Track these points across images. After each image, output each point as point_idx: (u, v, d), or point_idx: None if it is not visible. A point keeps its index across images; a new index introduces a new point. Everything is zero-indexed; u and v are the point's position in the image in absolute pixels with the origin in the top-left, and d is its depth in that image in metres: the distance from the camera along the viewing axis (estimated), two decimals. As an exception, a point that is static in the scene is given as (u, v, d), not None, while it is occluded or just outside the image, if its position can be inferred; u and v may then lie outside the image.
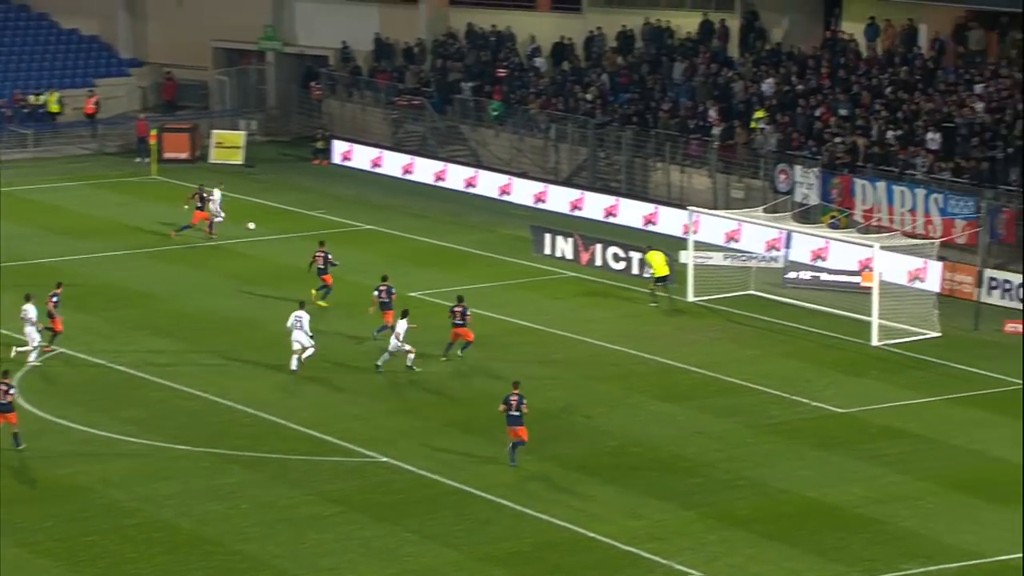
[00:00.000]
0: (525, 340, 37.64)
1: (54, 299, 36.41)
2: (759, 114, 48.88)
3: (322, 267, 39.32)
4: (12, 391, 30.79)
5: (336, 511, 28.26)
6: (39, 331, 35.51)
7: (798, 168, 46.32)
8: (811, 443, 31.53)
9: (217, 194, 46.33)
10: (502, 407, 30.20)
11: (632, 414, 32.90)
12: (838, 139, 46.56)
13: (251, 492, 29.06)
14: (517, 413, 29.91)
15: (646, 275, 40.37)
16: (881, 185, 44.44)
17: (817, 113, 47.87)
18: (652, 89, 52.17)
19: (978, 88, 45.80)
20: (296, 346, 34.89)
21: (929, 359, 36.71)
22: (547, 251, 44.51)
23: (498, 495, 28.86)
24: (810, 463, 30.56)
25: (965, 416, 33.09)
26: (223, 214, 46.12)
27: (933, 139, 44.98)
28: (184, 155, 56.63)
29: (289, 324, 35.14)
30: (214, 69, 62.92)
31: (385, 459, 30.62)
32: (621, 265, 42.87)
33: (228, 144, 57.10)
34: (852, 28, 50.89)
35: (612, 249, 43.40)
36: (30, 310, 35.37)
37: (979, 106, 45.11)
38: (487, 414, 32.79)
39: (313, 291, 39.11)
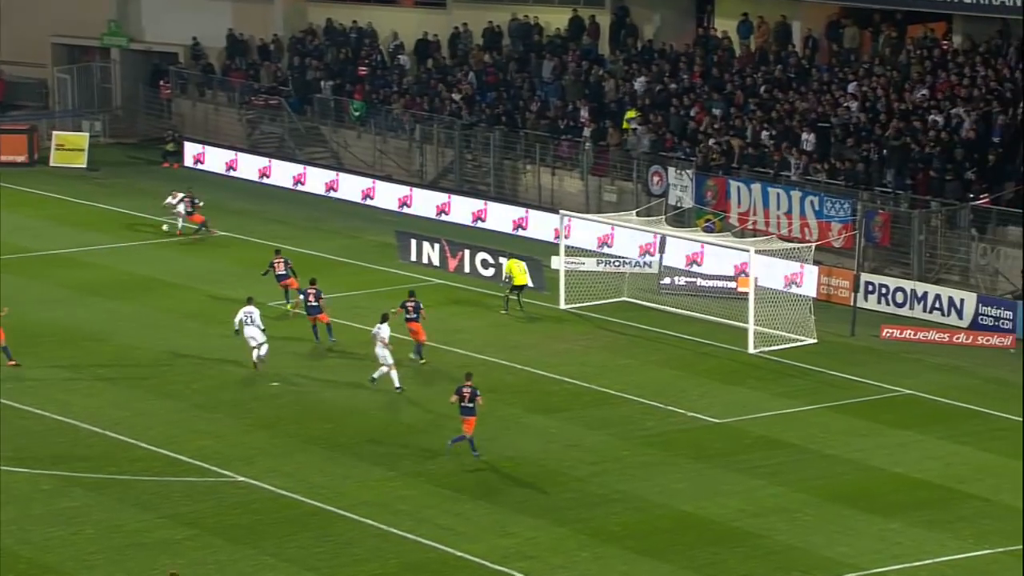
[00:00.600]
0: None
1: None
2: (631, 114, 49.32)
3: (283, 272, 39.78)
4: None
5: (189, 534, 27.97)
6: None
7: (672, 170, 46.81)
8: (687, 455, 31.89)
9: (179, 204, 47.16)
10: (454, 398, 30.86)
11: (502, 427, 33.00)
12: (712, 140, 47.15)
13: (96, 516, 28.64)
14: (471, 405, 30.73)
15: (503, 282, 40.52)
16: (756, 187, 45.02)
17: (691, 113, 48.45)
18: (520, 88, 52.42)
19: (852, 87, 46.71)
20: (252, 343, 35.57)
21: (806, 366, 37.33)
22: (413, 258, 44.50)
23: (361, 514, 28.78)
24: (686, 475, 30.92)
25: (843, 425, 33.70)
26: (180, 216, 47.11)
27: (808, 139, 45.73)
28: (22, 158, 55.70)
29: (239, 319, 35.68)
30: (54, 66, 61.90)
31: (242, 478, 30.36)
32: (490, 272, 43.00)
33: (70, 146, 56.25)
34: (725, 25, 51.56)
35: (480, 255, 43.52)
36: None
37: (853, 105, 46.01)
38: (351, 429, 32.71)
39: (288, 305, 39.36)
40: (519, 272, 40.40)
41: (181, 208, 47.08)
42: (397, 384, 34.54)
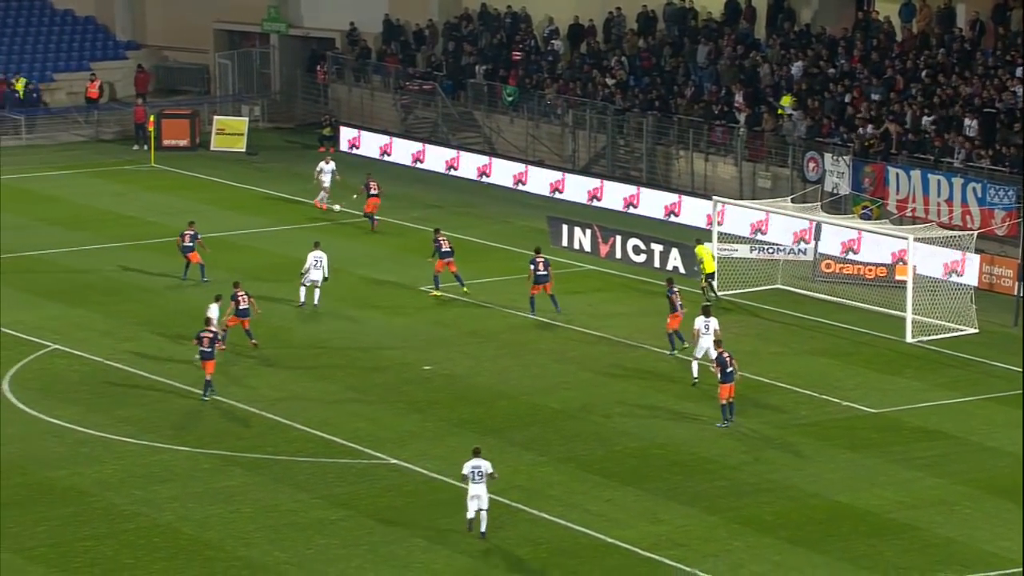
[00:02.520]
0: (541, 336, 37.67)
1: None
2: (787, 99, 48.83)
3: (447, 250, 39.73)
4: None
5: (343, 515, 28.35)
6: None
7: (828, 156, 46.27)
8: (842, 445, 31.53)
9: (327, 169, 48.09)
10: None
11: (653, 414, 32.92)
12: (870, 126, 46.51)
13: (254, 495, 29.16)
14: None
15: (695, 269, 40.25)
16: (916, 174, 44.36)
17: (848, 98, 47.82)
18: (675, 73, 52.15)
19: (1019, 71, 45.73)
20: (308, 283, 38.62)
21: (966, 356, 36.68)
22: (564, 243, 44.55)
23: (513, 499, 28.91)
24: (840, 466, 30.56)
25: (1004, 417, 33.04)
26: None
27: (971, 125, 44.90)
28: (184, 142, 56.77)
29: (308, 264, 38.48)
30: (215, 52, 63.04)
31: (394, 461, 30.69)
32: (641, 258, 42.89)
33: (230, 131, 57.23)
34: (886, 9, 50.88)
35: (632, 241, 43.43)
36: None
37: (1020, 90, 45.03)
38: (500, 413, 32.87)
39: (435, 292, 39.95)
40: (709, 258, 40.11)
41: (327, 179, 47.71)
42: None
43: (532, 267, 38.43)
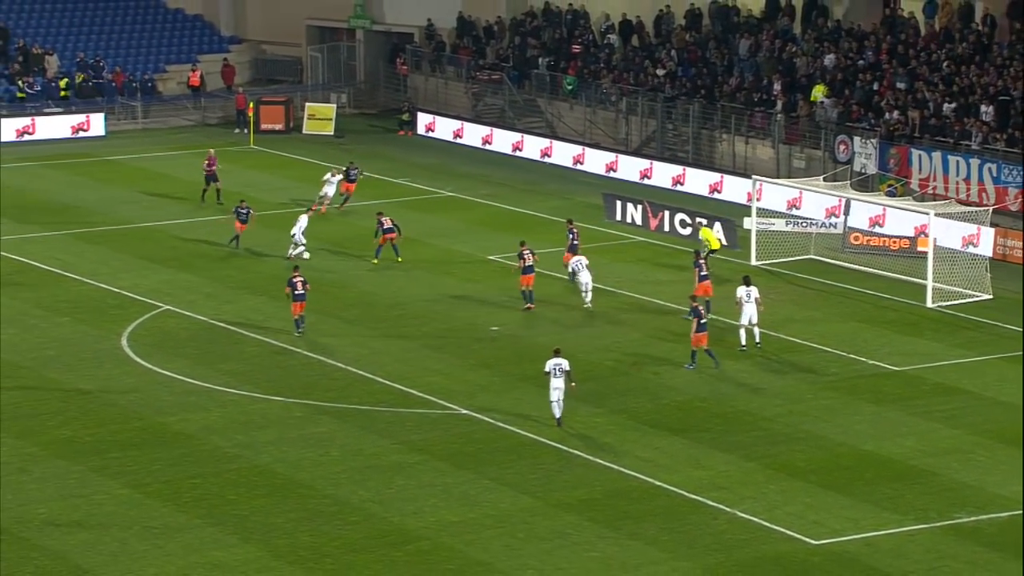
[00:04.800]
0: (596, 301, 37.54)
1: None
2: (820, 88, 48.37)
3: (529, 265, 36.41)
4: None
5: (420, 459, 28.43)
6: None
7: (857, 139, 45.81)
8: (868, 399, 31.26)
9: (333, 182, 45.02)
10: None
11: (698, 371, 32.76)
12: (896, 112, 45.99)
13: (340, 440, 29.30)
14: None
15: (703, 249, 39.79)
16: (937, 155, 43.87)
17: (876, 87, 47.33)
18: (718, 64, 51.74)
19: (1032, 62, 45.01)
20: (294, 248, 39.30)
21: (981, 320, 36.24)
22: (618, 217, 44.40)
23: (570, 446, 28.89)
24: (866, 418, 30.31)
25: (1015, 374, 32.62)
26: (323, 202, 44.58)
27: (987, 112, 44.34)
28: (279, 126, 56.96)
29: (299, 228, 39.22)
30: (307, 45, 63.17)
31: (465, 411, 30.73)
32: (687, 231, 42.65)
33: (320, 116, 57.36)
34: (910, 6, 50.32)
35: (679, 216, 43.21)
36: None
37: (1032, 80, 44.34)
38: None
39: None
40: (715, 238, 39.96)
41: (330, 191, 44.11)
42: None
43: (570, 236, 38.04)
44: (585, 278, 36.31)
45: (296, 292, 34.62)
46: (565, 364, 29.20)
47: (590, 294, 36.33)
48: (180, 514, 26.10)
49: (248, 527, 25.64)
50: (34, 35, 61.31)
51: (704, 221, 41.89)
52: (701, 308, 32.79)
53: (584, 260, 36.62)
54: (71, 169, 51.46)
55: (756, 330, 33.82)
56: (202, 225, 44.60)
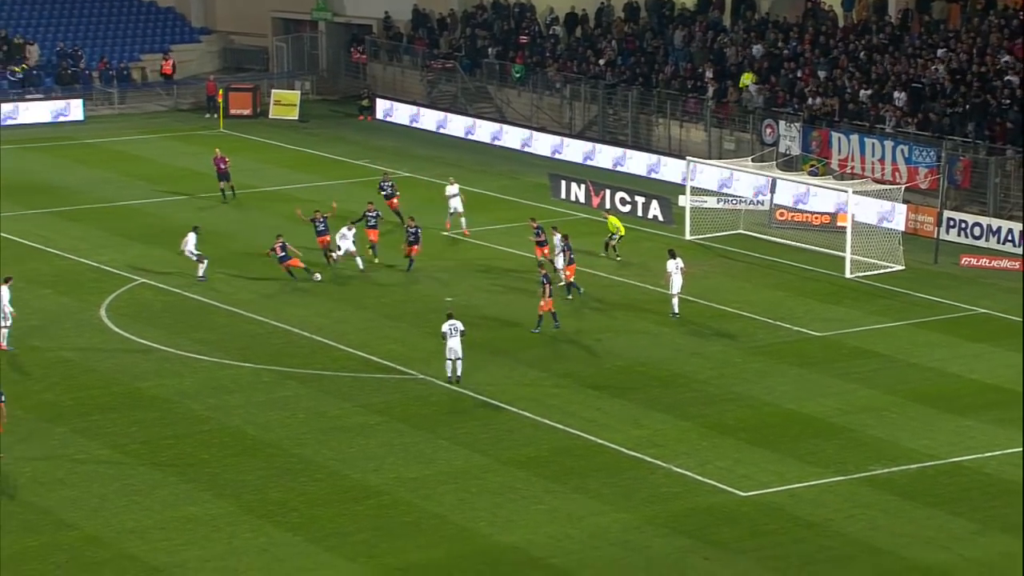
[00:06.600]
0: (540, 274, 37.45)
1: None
2: (748, 76, 48.45)
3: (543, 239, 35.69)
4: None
5: (380, 421, 28.36)
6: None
7: (782, 123, 45.96)
8: (792, 362, 31.45)
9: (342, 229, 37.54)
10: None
11: (636, 338, 32.84)
12: (817, 97, 46.18)
13: (306, 404, 29.18)
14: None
15: (614, 236, 38.79)
16: (855, 138, 44.09)
17: (799, 75, 47.46)
18: (655, 53, 51.72)
19: (939, 52, 45.28)
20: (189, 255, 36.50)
21: (895, 289, 36.52)
22: (563, 196, 44.35)
23: (519, 408, 28.91)
24: (790, 379, 30.50)
25: (926, 338, 32.95)
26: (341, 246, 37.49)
27: (900, 97, 44.62)
28: (247, 112, 56.49)
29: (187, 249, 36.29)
30: (273, 36, 62.65)
31: (422, 376, 30.66)
32: (627, 208, 42.69)
33: (285, 102, 56.93)
34: (831, 0, 50.41)
35: (620, 194, 43.24)
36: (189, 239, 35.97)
37: (940, 68, 44.63)
38: (508, 336, 32.83)
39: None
40: (621, 225, 38.93)
41: (348, 246, 36.69)
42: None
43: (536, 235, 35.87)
44: (560, 263, 34.62)
45: (279, 255, 35.32)
46: (459, 324, 29.33)
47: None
48: (156, 472, 25.94)
49: (220, 484, 25.52)
50: (15, 26, 60.42)
51: (624, 209, 41.61)
52: (545, 276, 32.40)
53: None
54: (52, 152, 50.80)
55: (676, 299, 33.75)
56: (174, 204, 44.17)
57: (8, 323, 31.50)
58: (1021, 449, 26.79)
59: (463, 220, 40.26)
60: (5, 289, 31.57)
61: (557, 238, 35.77)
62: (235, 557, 23.06)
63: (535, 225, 36.80)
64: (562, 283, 34.65)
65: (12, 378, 30.09)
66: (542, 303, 32.43)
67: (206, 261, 36.37)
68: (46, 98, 55.68)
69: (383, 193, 41.18)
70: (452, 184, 40.92)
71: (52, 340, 32.36)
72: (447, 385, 29.86)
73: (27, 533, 23.66)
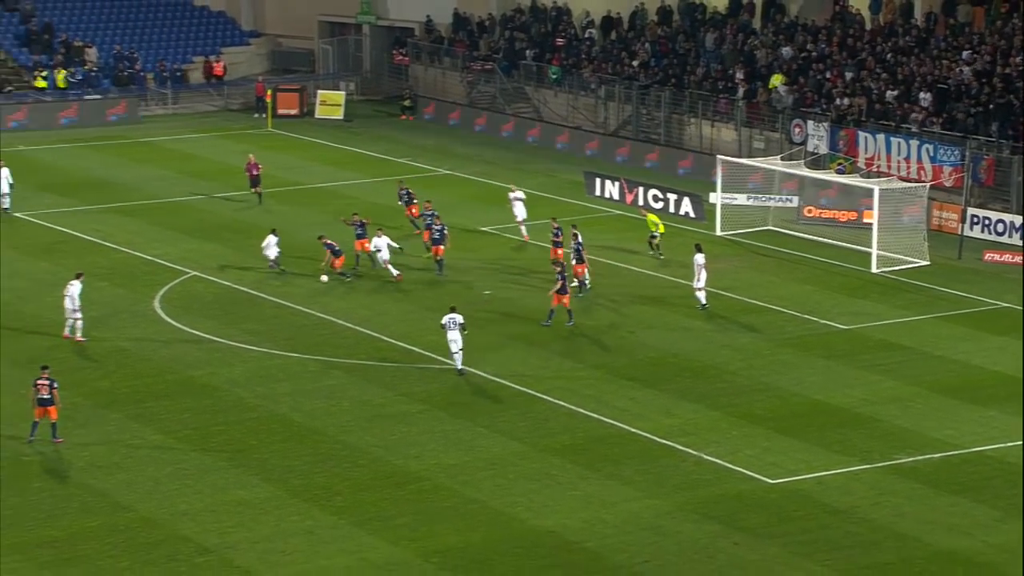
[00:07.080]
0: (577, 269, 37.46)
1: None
2: (778, 77, 48.28)
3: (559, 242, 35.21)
4: (55, 385, 26.04)
5: (421, 409, 28.47)
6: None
7: (810, 123, 45.77)
8: (819, 354, 31.34)
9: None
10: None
11: (668, 330, 32.81)
12: (845, 98, 45.97)
13: (351, 392, 29.32)
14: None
15: (655, 235, 38.70)
16: (881, 137, 43.87)
17: (827, 76, 47.26)
18: (687, 55, 51.60)
19: (964, 55, 44.97)
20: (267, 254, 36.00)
21: (920, 284, 36.32)
22: (597, 193, 44.33)
23: (555, 397, 28.95)
24: (817, 371, 30.40)
25: (950, 331, 32.76)
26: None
27: (926, 98, 44.35)
28: (294, 111, 56.74)
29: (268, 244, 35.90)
30: (319, 39, 62.94)
31: (461, 366, 30.73)
32: (660, 205, 42.62)
33: (331, 102, 57.14)
34: (858, 3, 50.29)
35: (652, 191, 43.16)
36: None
37: (965, 70, 44.33)
38: (544, 329, 32.86)
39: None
40: (660, 222, 38.75)
41: (385, 255, 35.79)
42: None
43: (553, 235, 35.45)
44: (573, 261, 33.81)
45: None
46: (459, 318, 29.27)
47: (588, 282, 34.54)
48: (207, 457, 26.15)
49: (268, 469, 25.70)
50: (75, 30, 60.99)
51: (657, 206, 41.51)
52: (561, 272, 32.08)
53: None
54: (108, 150, 51.25)
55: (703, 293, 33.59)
56: (224, 199, 44.46)
57: (78, 316, 31.64)
58: (1021, 441, 26.60)
59: (523, 228, 39.27)
60: (77, 284, 31.85)
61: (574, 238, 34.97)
62: (282, 539, 23.22)
63: (555, 225, 36.59)
64: (575, 283, 34.40)
65: (72, 366, 30.42)
66: (557, 297, 32.00)
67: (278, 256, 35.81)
68: (103, 98, 56.17)
69: (401, 203, 40.21)
70: (516, 190, 40.00)
71: (109, 330, 32.67)
72: (482, 374, 29.94)
73: (86, 515, 23.93)
